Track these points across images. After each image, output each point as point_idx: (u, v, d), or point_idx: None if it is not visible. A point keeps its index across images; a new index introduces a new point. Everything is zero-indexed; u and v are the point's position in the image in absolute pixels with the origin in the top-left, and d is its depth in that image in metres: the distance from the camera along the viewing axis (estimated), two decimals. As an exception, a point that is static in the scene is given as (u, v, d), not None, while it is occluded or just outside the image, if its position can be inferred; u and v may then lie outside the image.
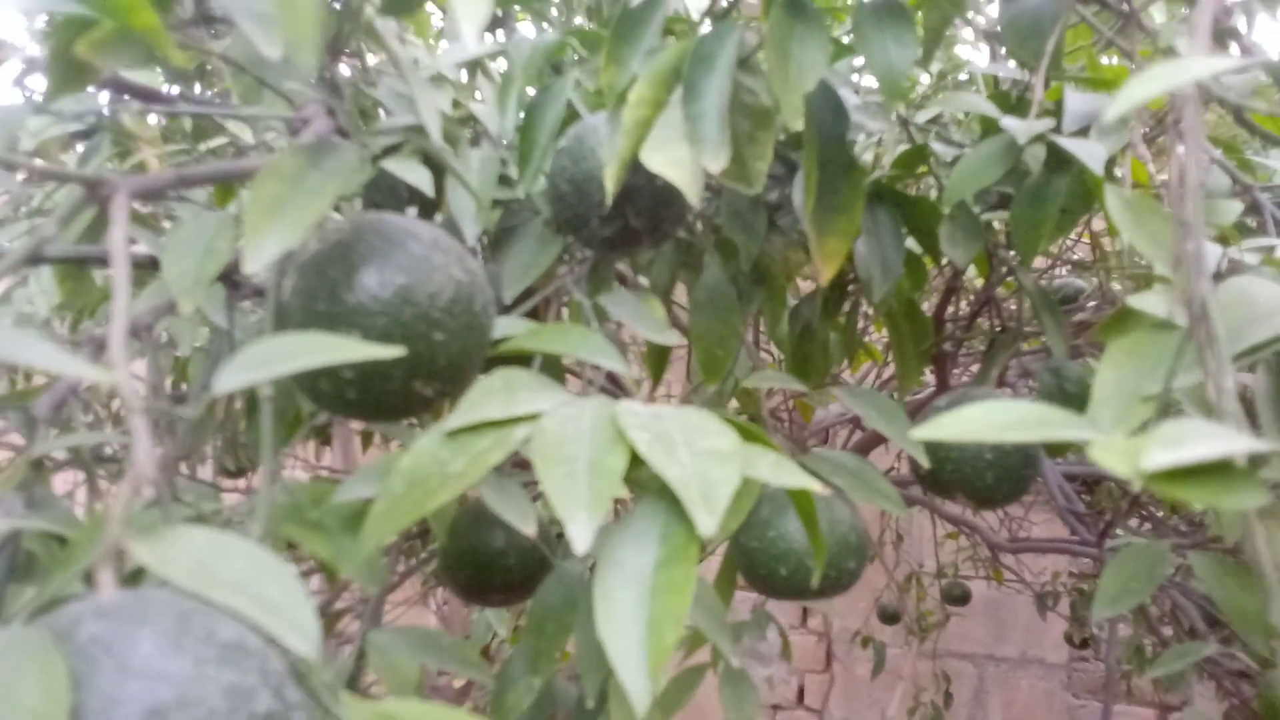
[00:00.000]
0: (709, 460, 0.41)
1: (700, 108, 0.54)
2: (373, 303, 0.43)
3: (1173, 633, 1.49)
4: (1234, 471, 0.26)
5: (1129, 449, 0.28)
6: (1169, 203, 0.36)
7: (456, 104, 0.82)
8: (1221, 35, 0.53)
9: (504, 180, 0.76)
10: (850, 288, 0.97)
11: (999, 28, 0.59)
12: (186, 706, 0.26)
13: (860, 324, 1.11)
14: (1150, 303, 0.45)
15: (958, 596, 2.21)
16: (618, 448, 0.41)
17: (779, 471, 0.43)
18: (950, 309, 1.08)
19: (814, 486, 0.43)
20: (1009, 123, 0.62)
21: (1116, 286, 0.88)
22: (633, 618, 0.38)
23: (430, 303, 0.44)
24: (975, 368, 1.55)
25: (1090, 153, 0.56)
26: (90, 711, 0.25)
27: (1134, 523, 1.39)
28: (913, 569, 2.33)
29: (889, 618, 2.29)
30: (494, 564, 0.77)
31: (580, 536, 0.37)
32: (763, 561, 0.67)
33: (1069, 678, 2.88)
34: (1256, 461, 0.27)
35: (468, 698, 1.97)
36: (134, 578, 0.39)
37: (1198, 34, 0.33)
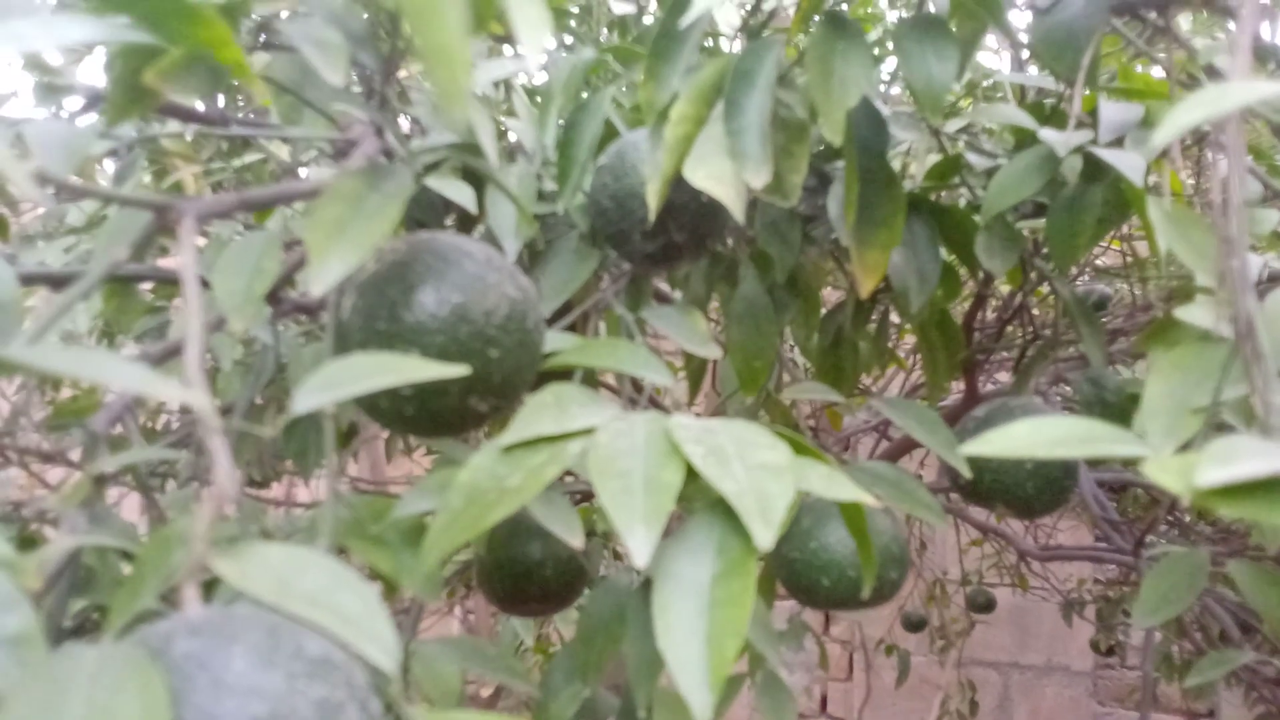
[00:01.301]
0: (764, 474, 0.41)
1: (742, 124, 0.55)
2: (431, 321, 0.44)
3: (1202, 638, 1.48)
4: (1282, 487, 0.27)
5: (1182, 466, 0.28)
6: (1213, 219, 0.37)
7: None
8: (1260, 54, 0.53)
9: (540, 196, 0.77)
10: (881, 296, 0.97)
11: (1031, 41, 0.60)
12: None
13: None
14: (1196, 315, 0.46)
15: (982, 604, 2.20)
16: (672, 462, 0.42)
17: (832, 485, 0.43)
18: (979, 317, 1.08)
19: (867, 500, 0.43)
20: (1048, 134, 0.62)
21: (1152, 294, 0.88)
22: (692, 630, 0.38)
23: (486, 320, 0.45)
24: (1001, 374, 1.55)
25: (1130, 164, 0.57)
26: None
27: (1162, 528, 1.38)
28: (937, 577, 2.32)
29: (913, 626, 2.29)
30: (531, 574, 0.78)
31: (639, 550, 0.38)
32: (804, 572, 0.67)
33: (1094, 685, 2.86)
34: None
35: (496, 704, 1.98)
36: (205, 589, 0.40)
37: (1239, 54, 0.34)
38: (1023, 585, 2.24)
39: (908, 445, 1.21)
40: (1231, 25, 0.54)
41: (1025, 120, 0.67)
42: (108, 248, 0.40)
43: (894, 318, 1.19)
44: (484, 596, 0.87)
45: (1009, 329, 1.05)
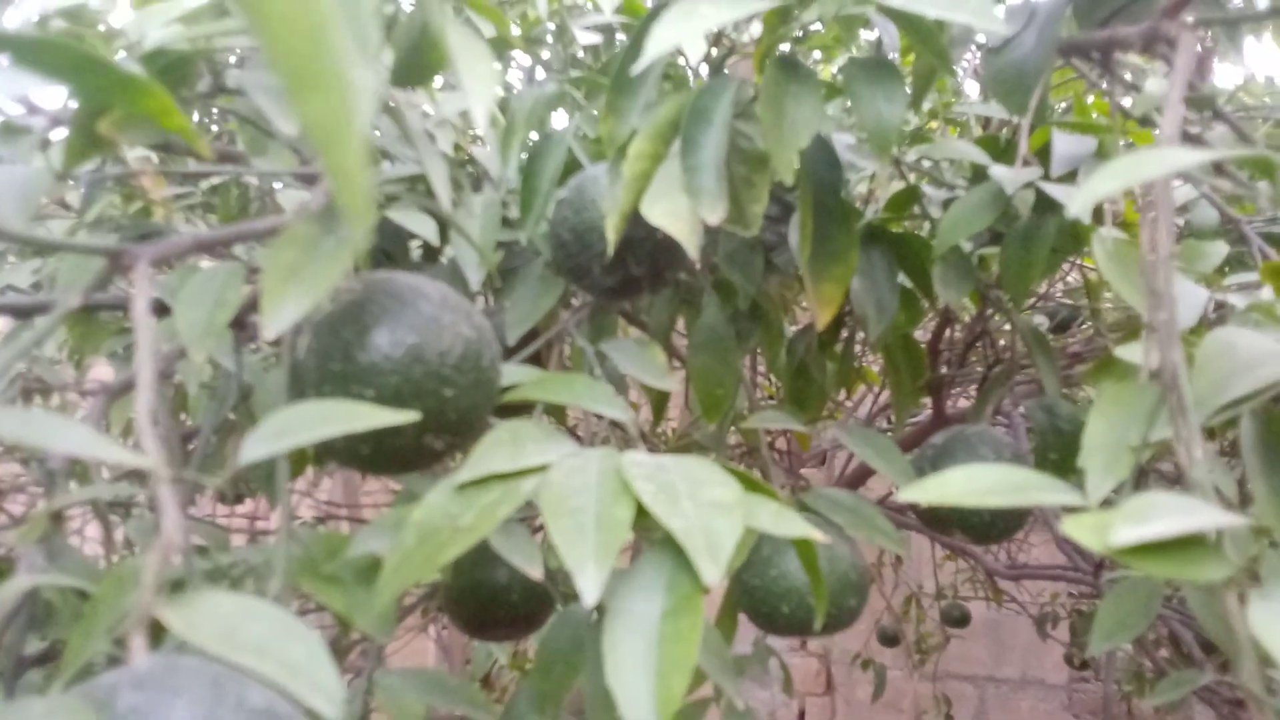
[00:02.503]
0: (712, 511, 0.42)
1: (698, 160, 0.56)
2: (385, 362, 0.44)
3: (1171, 654, 1.50)
4: (1202, 544, 0.28)
5: (1098, 524, 0.29)
6: (1143, 271, 0.38)
7: (458, 147, 0.84)
8: (1201, 103, 0.54)
9: (505, 221, 0.77)
10: (846, 319, 0.99)
11: (983, 80, 0.61)
12: None
13: (857, 349, 1.13)
14: (1133, 354, 0.47)
15: (957, 618, 2.22)
16: (623, 499, 0.42)
17: (780, 521, 0.44)
18: (945, 335, 1.10)
19: (815, 536, 0.44)
20: (997, 171, 0.64)
21: (1103, 326, 0.90)
22: (641, 667, 0.39)
23: (440, 360, 0.46)
24: (973, 388, 1.56)
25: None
26: None
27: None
28: (912, 591, 2.33)
29: (889, 640, 2.30)
30: (498, 599, 0.78)
31: (589, 589, 0.38)
32: (764, 599, 0.68)
33: (1070, 698, 2.88)
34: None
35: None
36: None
37: (1169, 111, 0.35)
38: (996, 599, 2.25)
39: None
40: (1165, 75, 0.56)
41: (978, 156, 0.68)
42: (63, 293, 0.41)
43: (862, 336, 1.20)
44: (451, 623, 0.87)
45: (973, 349, 1.06)
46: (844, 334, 1.02)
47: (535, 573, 0.58)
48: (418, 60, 0.42)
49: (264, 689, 0.30)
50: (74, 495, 0.51)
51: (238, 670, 0.30)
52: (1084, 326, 1.24)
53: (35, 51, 0.24)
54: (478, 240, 0.62)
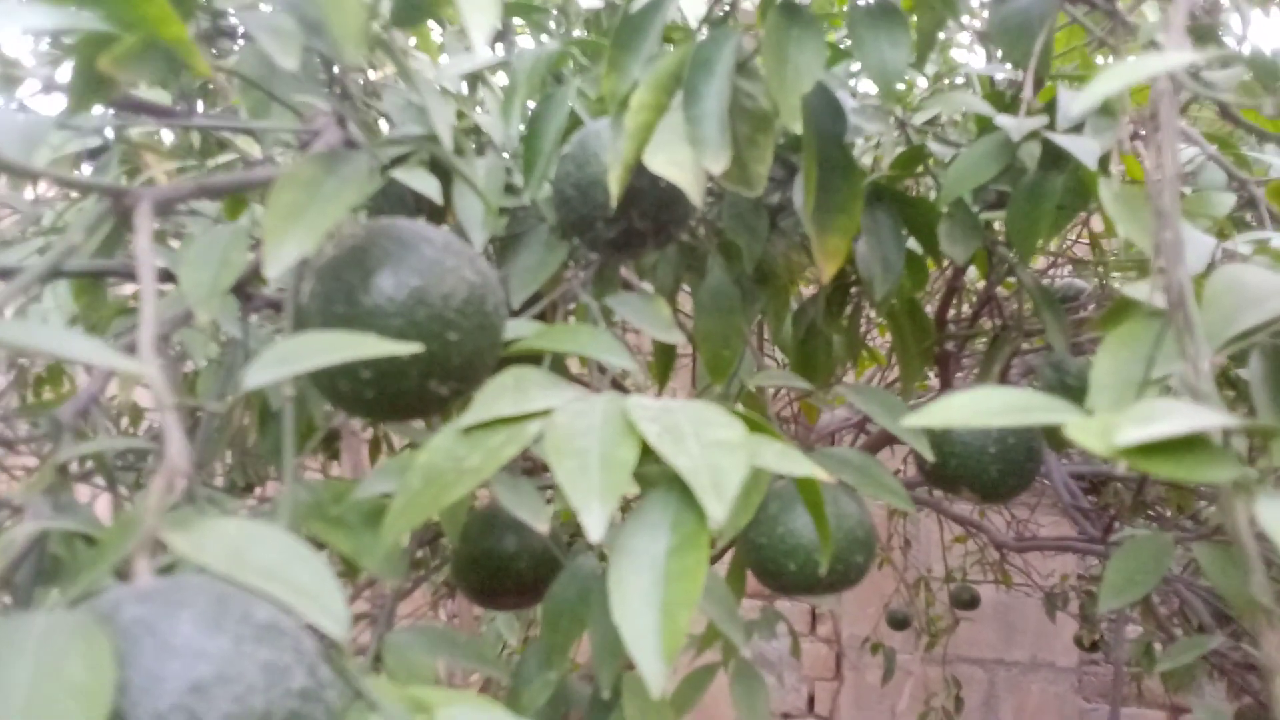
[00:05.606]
0: (718, 450, 0.42)
1: (700, 111, 0.56)
2: (389, 304, 0.44)
3: (1182, 631, 1.49)
4: (1209, 447, 0.27)
5: (1103, 427, 0.29)
6: (1149, 193, 0.38)
7: (461, 115, 0.84)
8: (1203, 34, 0.54)
9: (509, 189, 0.77)
10: (852, 290, 0.98)
11: (988, 28, 0.61)
12: (226, 682, 0.27)
13: (863, 328, 1.12)
14: (1141, 291, 0.47)
15: (966, 601, 2.21)
16: (628, 439, 0.42)
17: (785, 460, 0.44)
18: (952, 310, 1.09)
19: (819, 474, 0.44)
20: (1003, 120, 0.63)
21: (1115, 284, 0.89)
22: (647, 603, 0.39)
23: (444, 304, 0.45)
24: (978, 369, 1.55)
25: (1084, 148, 0.58)
26: (135, 688, 0.26)
27: (1140, 522, 1.40)
28: (921, 574, 2.33)
29: (898, 623, 2.29)
30: (506, 567, 0.79)
31: (594, 525, 0.38)
32: (771, 557, 0.68)
33: (1080, 681, 2.88)
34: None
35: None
36: (165, 573, 0.40)
37: (1172, 30, 0.35)
38: (1006, 581, 2.25)
39: (884, 440, 1.22)
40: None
41: (983, 107, 0.68)
42: (67, 235, 0.41)
43: (871, 313, 1.20)
44: (460, 590, 0.88)
45: (981, 320, 1.06)
46: (850, 305, 1.02)
47: (541, 526, 0.58)
48: (417, -3, 0.41)
49: (268, 606, 0.30)
50: (80, 447, 0.51)
51: (245, 590, 0.30)
52: (1087, 301, 1.23)
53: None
54: (482, 201, 0.62)
